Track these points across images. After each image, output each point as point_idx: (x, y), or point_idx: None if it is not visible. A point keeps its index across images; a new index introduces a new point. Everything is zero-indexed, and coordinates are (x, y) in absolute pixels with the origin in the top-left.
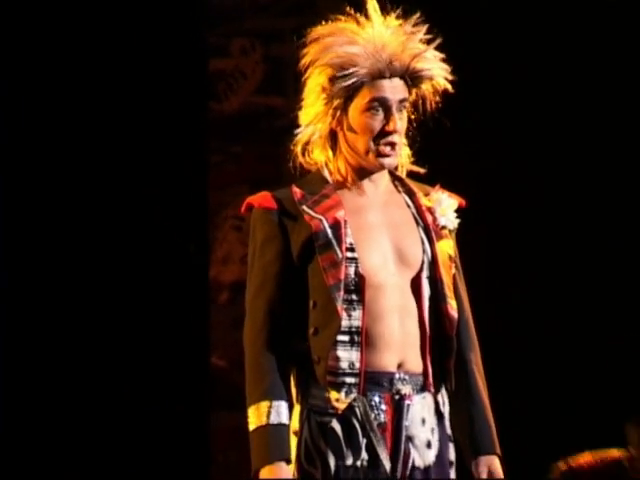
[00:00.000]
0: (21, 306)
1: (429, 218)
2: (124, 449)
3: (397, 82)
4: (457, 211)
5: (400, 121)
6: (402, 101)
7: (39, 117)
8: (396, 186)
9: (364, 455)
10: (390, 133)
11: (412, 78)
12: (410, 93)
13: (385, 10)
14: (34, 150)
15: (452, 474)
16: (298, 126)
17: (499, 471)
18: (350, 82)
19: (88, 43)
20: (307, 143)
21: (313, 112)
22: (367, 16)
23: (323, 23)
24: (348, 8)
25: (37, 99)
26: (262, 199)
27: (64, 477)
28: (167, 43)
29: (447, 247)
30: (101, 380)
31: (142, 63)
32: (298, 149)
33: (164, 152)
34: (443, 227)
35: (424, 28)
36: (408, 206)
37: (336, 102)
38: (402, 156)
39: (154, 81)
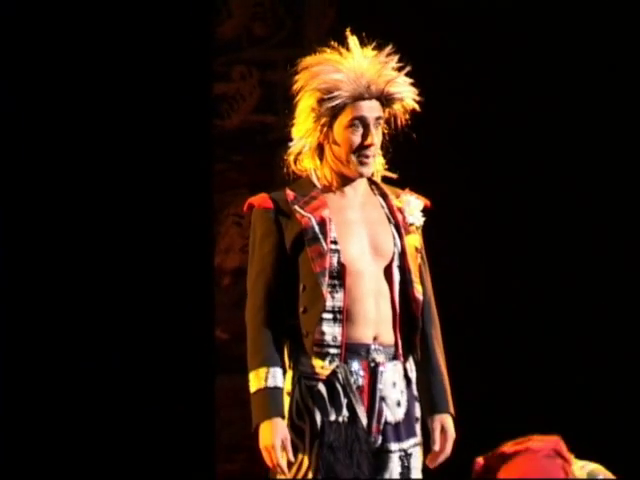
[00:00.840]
0: (22, 290)
1: (399, 216)
2: (142, 406)
3: (374, 103)
4: (423, 210)
5: (376, 136)
6: (378, 119)
7: (49, 127)
8: (372, 189)
9: (345, 412)
10: (368, 146)
11: (386, 99)
12: (384, 112)
13: (363, 43)
14: (43, 161)
15: (417, 427)
16: (289, 140)
17: (451, 428)
18: (335, 103)
19: (110, 66)
20: (298, 154)
21: (304, 128)
22: (348, 48)
23: (311, 54)
24: (332, 42)
25: (49, 117)
26: (261, 200)
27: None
28: (179, 70)
29: (414, 241)
30: (122, 349)
31: (159, 87)
32: (291, 159)
33: (177, 160)
34: (411, 224)
35: (395, 58)
36: (382, 206)
37: (323, 120)
38: (377, 164)
39: (169, 102)
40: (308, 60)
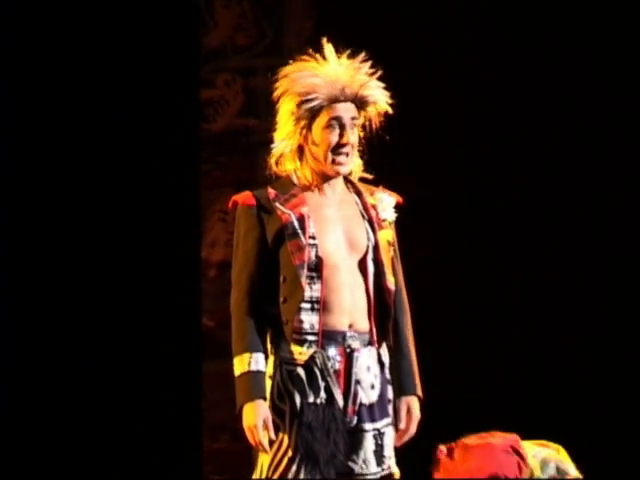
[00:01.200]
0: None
1: (373, 213)
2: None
3: (349, 105)
4: (395, 207)
5: (352, 135)
6: (353, 119)
7: (43, 128)
8: (348, 188)
9: (322, 395)
10: (344, 145)
11: (360, 102)
12: (360, 115)
13: (338, 51)
14: (38, 161)
15: (390, 408)
16: (270, 142)
17: (416, 409)
18: (312, 105)
19: (106, 72)
20: (280, 156)
21: (285, 131)
22: (324, 56)
23: (290, 63)
24: (310, 51)
25: (43, 118)
26: (245, 198)
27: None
28: (169, 76)
29: (387, 235)
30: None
31: (150, 92)
32: (273, 161)
33: (167, 161)
34: (384, 220)
35: (368, 64)
36: (357, 204)
37: (302, 122)
38: (355, 165)
39: (159, 106)
40: (287, 68)
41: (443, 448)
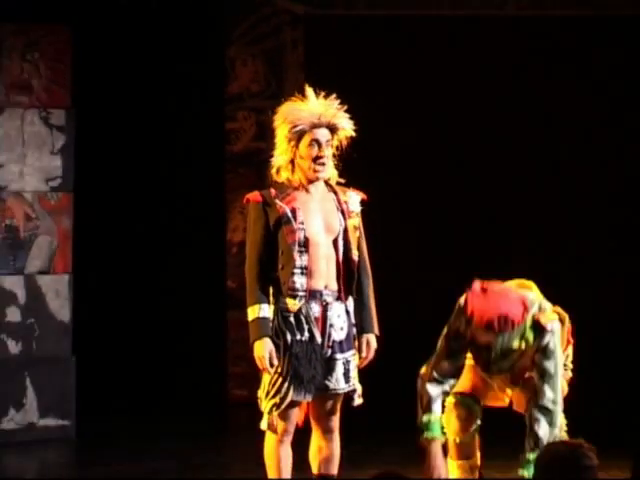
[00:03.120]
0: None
1: (344, 206)
2: (181, 328)
3: (324, 130)
4: (361, 202)
5: (327, 151)
6: (327, 140)
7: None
8: (327, 189)
9: (306, 334)
10: (321, 157)
11: (332, 128)
12: (333, 137)
13: (317, 93)
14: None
15: (354, 343)
16: (271, 157)
17: (374, 342)
18: (298, 130)
19: (156, 113)
20: (278, 167)
21: (281, 149)
22: (306, 96)
23: (286, 101)
24: (298, 94)
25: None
26: (254, 196)
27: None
28: (204, 114)
29: (354, 222)
30: (169, 292)
31: (191, 125)
32: (273, 170)
33: (203, 172)
34: (352, 211)
35: (337, 101)
36: (333, 200)
37: (292, 143)
38: (332, 173)
39: (197, 134)
40: (284, 106)
41: (477, 285)
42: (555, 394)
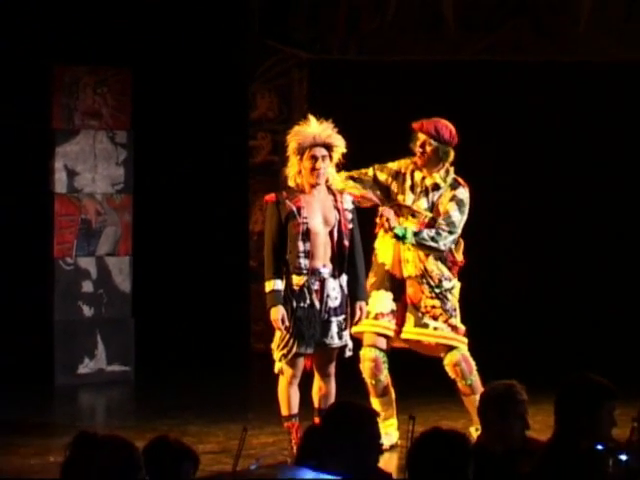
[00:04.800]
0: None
1: (340, 205)
2: (216, 299)
3: (322, 148)
4: (352, 202)
5: (323, 164)
6: (324, 156)
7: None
8: (327, 191)
9: (308, 301)
10: (317, 169)
11: (328, 146)
12: (329, 153)
13: (317, 118)
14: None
15: (347, 310)
16: (284, 167)
17: (364, 308)
18: (303, 148)
19: (192, 133)
20: (288, 175)
21: (291, 162)
22: (308, 120)
23: (294, 126)
24: (303, 120)
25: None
26: (270, 197)
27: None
28: (232, 135)
29: (348, 217)
30: (206, 271)
31: (222, 143)
32: (285, 177)
33: (231, 180)
34: (346, 209)
35: (332, 125)
36: (332, 200)
37: (298, 157)
38: (333, 179)
39: (227, 151)
40: (293, 129)
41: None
42: (449, 231)
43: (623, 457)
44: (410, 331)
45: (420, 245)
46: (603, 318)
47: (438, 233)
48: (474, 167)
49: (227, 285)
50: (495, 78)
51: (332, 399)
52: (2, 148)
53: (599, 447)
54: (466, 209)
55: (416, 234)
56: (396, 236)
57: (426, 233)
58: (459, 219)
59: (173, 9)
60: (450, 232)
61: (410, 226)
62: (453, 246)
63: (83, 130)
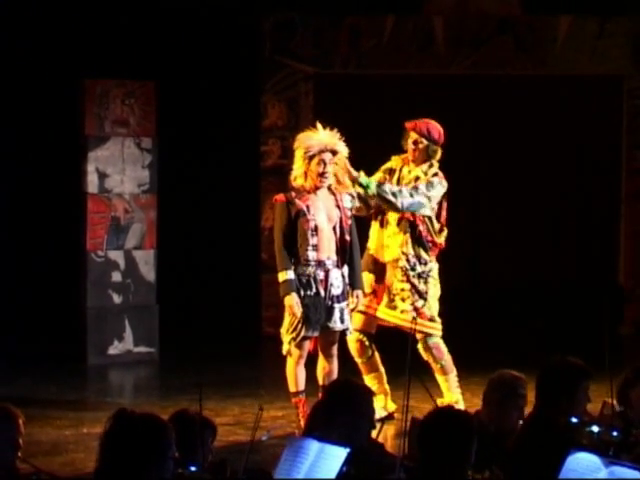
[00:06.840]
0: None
1: (340, 203)
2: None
3: (328, 153)
4: (351, 202)
5: (329, 168)
6: (330, 160)
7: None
8: (330, 191)
9: (314, 290)
10: (324, 173)
11: (333, 151)
12: (334, 158)
13: (324, 125)
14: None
15: (347, 297)
16: (291, 169)
17: (361, 297)
18: (311, 153)
19: (204, 144)
20: (296, 177)
21: (298, 165)
22: (316, 127)
23: (301, 132)
24: (309, 128)
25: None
26: (280, 197)
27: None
28: (246, 142)
29: (347, 214)
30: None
31: (238, 149)
32: (292, 179)
33: (245, 181)
34: (345, 207)
35: (337, 132)
36: (334, 199)
37: (306, 161)
38: (333, 181)
39: (241, 156)
40: (300, 135)
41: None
42: (411, 193)
43: (595, 429)
44: (382, 311)
45: (380, 197)
46: (580, 301)
47: (400, 191)
48: (459, 159)
49: (241, 275)
50: (481, 90)
51: (335, 377)
52: (40, 153)
53: (574, 420)
54: (434, 191)
55: (378, 185)
56: (360, 185)
57: (388, 187)
58: (424, 191)
59: (194, 30)
60: (411, 195)
61: (370, 182)
62: (430, 225)
63: (113, 137)
